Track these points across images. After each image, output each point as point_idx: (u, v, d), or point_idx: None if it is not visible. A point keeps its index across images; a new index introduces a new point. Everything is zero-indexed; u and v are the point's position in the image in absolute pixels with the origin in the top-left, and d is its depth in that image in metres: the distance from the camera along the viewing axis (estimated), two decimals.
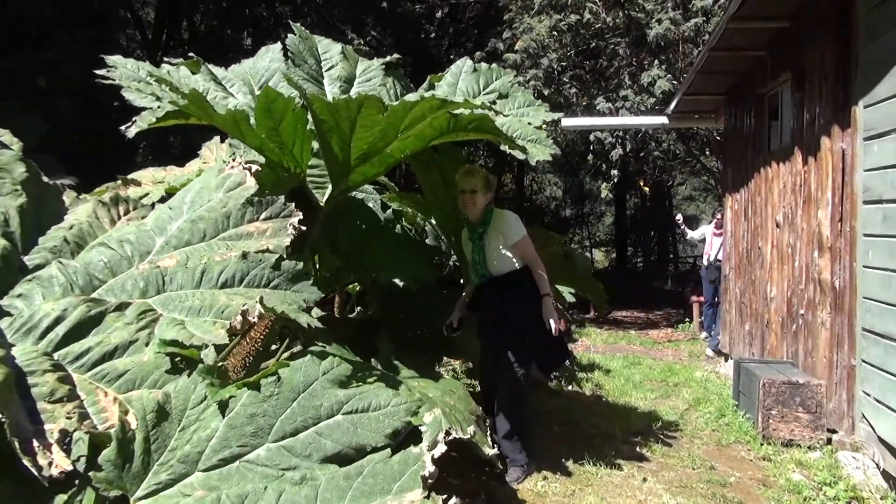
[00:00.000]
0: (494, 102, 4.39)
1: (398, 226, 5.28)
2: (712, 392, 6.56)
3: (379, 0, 11.23)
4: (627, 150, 11.65)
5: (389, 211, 5.42)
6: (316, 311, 5.40)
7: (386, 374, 3.65)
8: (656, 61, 11.57)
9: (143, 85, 3.73)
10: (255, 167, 3.28)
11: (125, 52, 13.30)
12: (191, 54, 4.39)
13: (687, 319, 12.50)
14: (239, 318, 2.60)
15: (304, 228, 3.12)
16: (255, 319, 2.60)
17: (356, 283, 5.30)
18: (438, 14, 15.94)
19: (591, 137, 11.85)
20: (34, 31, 8.98)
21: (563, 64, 11.86)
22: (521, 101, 4.39)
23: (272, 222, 3.15)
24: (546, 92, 11.42)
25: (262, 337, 3.94)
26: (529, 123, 4.10)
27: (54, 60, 8.23)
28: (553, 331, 4.02)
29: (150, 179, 4.96)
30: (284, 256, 3.00)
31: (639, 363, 8.38)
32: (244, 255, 2.92)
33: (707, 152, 14.23)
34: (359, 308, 5.55)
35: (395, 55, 4.89)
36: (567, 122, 9.38)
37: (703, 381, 7.24)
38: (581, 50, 12.28)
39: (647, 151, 14.25)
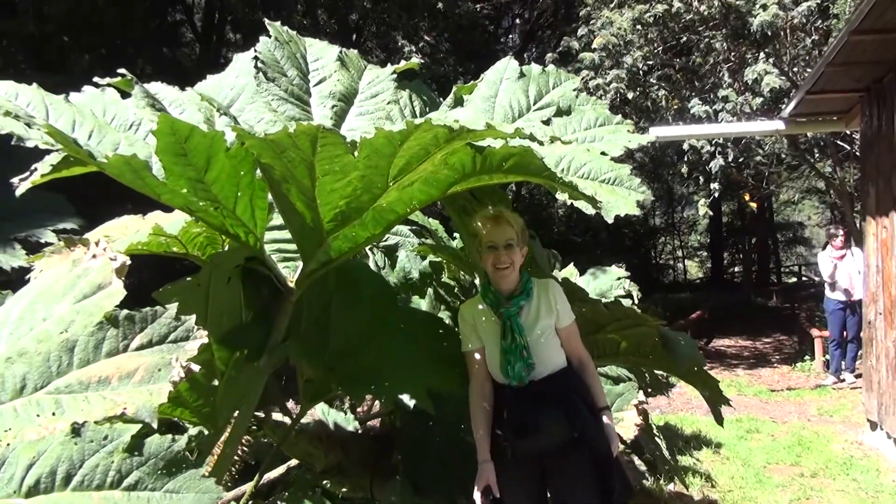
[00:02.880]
0: (549, 122, 2.97)
1: (427, 294, 3.94)
2: (867, 489, 4.89)
3: (433, 0, 9.91)
4: (729, 159, 9.90)
5: (426, 263, 4.10)
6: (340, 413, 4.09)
7: None
8: (762, 54, 9.81)
9: (9, 120, 2.49)
10: (122, 259, 1.98)
11: (179, 44, 12.39)
12: (121, 71, 3.14)
13: (807, 357, 10.58)
14: None
15: (194, 368, 1.79)
16: None
17: None
18: (510, 15, 14.53)
19: (685, 146, 10.18)
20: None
21: (650, 62, 10.24)
22: (590, 119, 2.94)
23: (150, 355, 1.84)
24: (630, 95, 9.84)
25: None
26: (603, 154, 2.65)
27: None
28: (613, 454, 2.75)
29: (122, 232, 3.75)
30: (154, 418, 1.69)
31: (757, 430, 6.70)
32: (75, 430, 1.62)
33: (816, 154, 12.30)
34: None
35: (414, 59, 3.53)
36: (657, 131, 7.79)
37: (848, 463, 5.54)
38: (670, 45, 10.61)
39: (747, 157, 12.41)
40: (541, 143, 2.16)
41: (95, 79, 3.20)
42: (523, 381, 2.68)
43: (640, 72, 9.99)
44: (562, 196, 2.47)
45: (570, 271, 5.27)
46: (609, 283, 6.03)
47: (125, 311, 1.83)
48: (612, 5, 9.98)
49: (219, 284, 2.59)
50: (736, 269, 29.51)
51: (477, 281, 4.15)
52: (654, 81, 10.65)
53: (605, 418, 2.75)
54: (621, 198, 2.48)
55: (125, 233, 3.76)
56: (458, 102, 3.15)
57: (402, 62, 3.52)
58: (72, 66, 8.30)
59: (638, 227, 29.96)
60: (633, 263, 25.53)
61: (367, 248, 4.77)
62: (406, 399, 2.90)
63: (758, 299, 21.07)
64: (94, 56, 10.18)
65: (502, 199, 3.23)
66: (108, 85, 3.19)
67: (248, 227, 2.57)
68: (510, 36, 14.65)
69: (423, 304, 3.92)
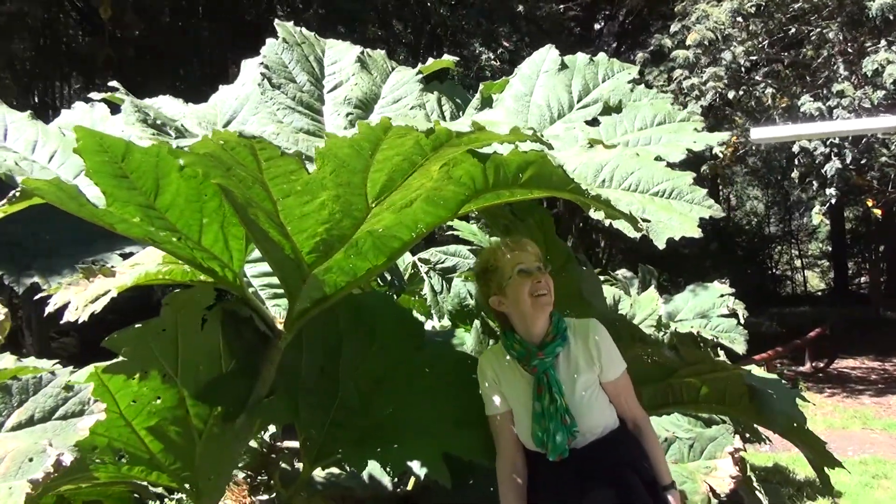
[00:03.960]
0: (595, 122, 2.41)
1: (473, 327, 3.45)
2: None
3: (513, 4, 9.36)
4: (847, 161, 8.86)
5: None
6: None
7: None
8: (883, 42, 8.74)
9: None
10: None
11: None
12: (112, 83, 2.81)
13: None
14: None
15: (65, 461, 1.36)
16: None
17: None
18: (601, 16, 13.82)
19: (796, 148, 9.20)
20: None
21: (753, 58, 9.32)
22: (646, 117, 2.37)
23: (27, 436, 1.43)
24: (731, 95, 8.96)
25: None
26: (658, 159, 2.08)
27: None
28: None
29: (154, 260, 3.45)
30: None
31: (885, 475, 5.77)
32: None
33: None
34: None
35: (448, 56, 3.04)
36: (759, 132, 6.95)
37: None
38: (777, 38, 9.66)
39: (870, 158, 11.16)
40: (549, 147, 1.63)
41: (92, 94, 2.91)
42: (565, 454, 2.12)
43: (742, 69, 9.11)
44: (597, 214, 1.92)
45: (651, 296, 4.62)
46: (711, 301, 5.34)
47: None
48: None
49: (190, 328, 2.19)
50: (862, 279, 27.24)
51: None
52: (759, 79, 9.71)
53: (669, 498, 2.15)
54: (678, 215, 1.90)
55: (158, 260, 3.43)
56: (487, 103, 2.65)
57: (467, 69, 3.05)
58: (156, 88, 8.34)
59: (752, 235, 28.30)
60: (747, 275, 23.98)
61: (423, 273, 4.31)
62: (417, 467, 2.39)
63: (888, 313, 19.23)
64: (183, 77, 10.24)
65: (544, 218, 2.70)
66: (102, 101, 2.89)
67: (221, 260, 2.16)
68: (602, 38, 13.92)
69: (468, 338, 3.41)
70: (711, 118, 9.48)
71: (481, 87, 2.68)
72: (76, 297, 2.94)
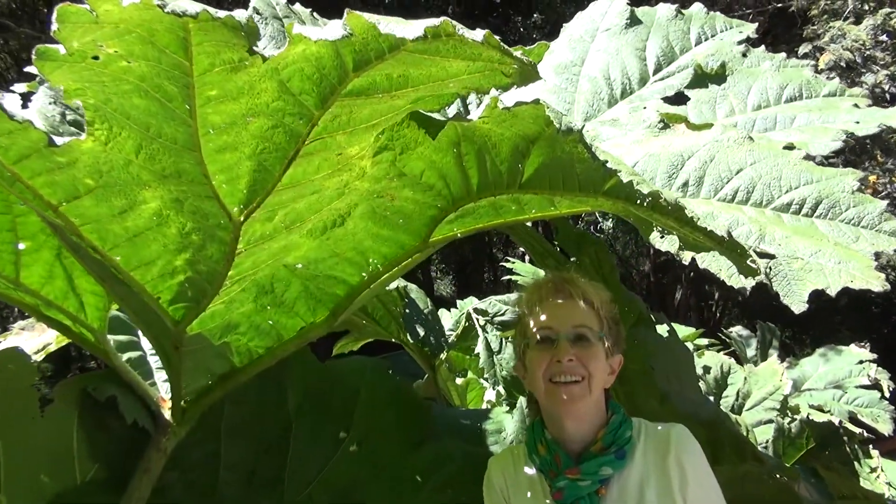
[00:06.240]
0: (682, 98, 1.49)
1: (517, 406, 2.55)
2: None
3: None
4: None
5: None
6: None
7: None
8: None
9: None
10: None
11: None
12: (29, 69, 2.11)
13: None
14: None
15: None
16: None
17: None
18: None
19: None
20: None
21: None
22: (767, 90, 1.43)
23: None
24: None
25: None
26: (789, 147, 1.14)
27: None
28: None
29: None
30: None
31: None
32: None
33: None
34: None
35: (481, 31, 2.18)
36: None
37: None
38: None
39: None
40: (662, 126, 0.95)
41: (15, 86, 2.24)
42: None
43: (887, 95, 7.79)
44: (667, 244, 1.01)
45: (773, 369, 3.49)
46: (846, 368, 4.30)
47: None
48: (845, 13, 7.92)
49: (19, 416, 1.40)
50: None
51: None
52: None
53: None
54: (832, 248, 0.96)
55: None
56: None
57: None
58: None
59: (889, 290, 25.74)
60: (883, 335, 21.49)
61: (478, 325, 3.44)
62: None
63: None
64: None
65: (601, 255, 1.77)
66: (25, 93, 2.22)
67: (64, 309, 1.37)
68: None
69: (508, 422, 2.48)
70: (848, 153, 8.19)
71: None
72: (27, 344, 2.24)
